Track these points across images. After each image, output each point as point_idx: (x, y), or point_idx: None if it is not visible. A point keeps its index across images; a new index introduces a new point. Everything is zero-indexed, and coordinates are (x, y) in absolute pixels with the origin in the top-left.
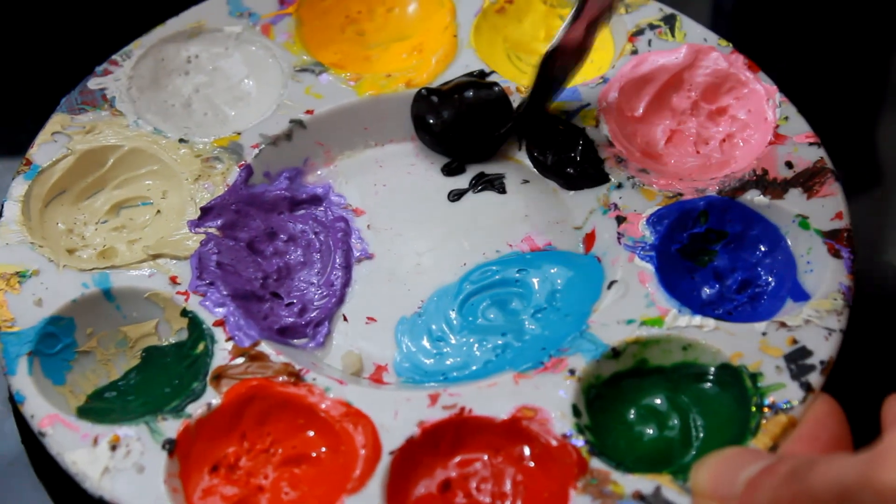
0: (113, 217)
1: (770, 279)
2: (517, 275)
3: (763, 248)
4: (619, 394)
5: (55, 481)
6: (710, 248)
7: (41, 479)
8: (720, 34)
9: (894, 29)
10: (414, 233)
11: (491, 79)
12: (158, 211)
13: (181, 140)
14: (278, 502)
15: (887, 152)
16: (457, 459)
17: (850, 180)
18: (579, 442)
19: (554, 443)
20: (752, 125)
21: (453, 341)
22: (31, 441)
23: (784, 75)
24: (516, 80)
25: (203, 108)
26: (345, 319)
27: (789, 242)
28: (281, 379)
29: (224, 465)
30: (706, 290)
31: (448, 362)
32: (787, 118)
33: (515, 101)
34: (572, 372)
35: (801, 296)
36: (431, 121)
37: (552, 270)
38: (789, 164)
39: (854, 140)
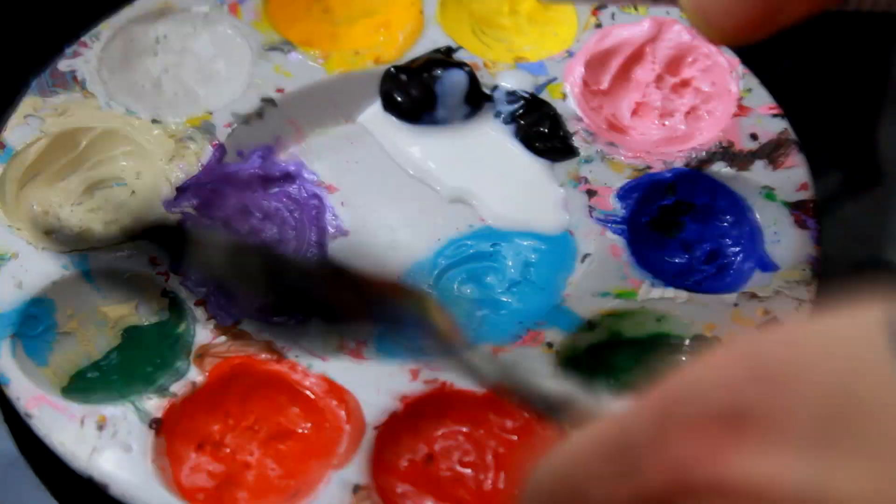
0: (88, 198)
1: (737, 250)
2: (490, 249)
3: (730, 219)
4: (595, 366)
5: (56, 480)
6: (678, 219)
7: (41, 479)
8: None
9: (894, 29)
10: (387, 208)
11: (458, 55)
12: (133, 192)
13: (154, 121)
14: (264, 478)
15: (887, 152)
16: (439, 433)
17: (850, 180)
18: None
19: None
20: (716, 97)
21: None
22: (28, 443)
23: (785, 75)
24: (482, 55)
25: (173, 89)
26: None
27: (756, 214)
28: (263, 356)
29: (210, 443)
30: (675, 261)
31: None
32: (749, 90)
33: (482, 77)
34: (550, 345)
35: (769, 266)
36: (400, 99)
37: (524, 244)
38: (754, 136)
39: (854, 140)
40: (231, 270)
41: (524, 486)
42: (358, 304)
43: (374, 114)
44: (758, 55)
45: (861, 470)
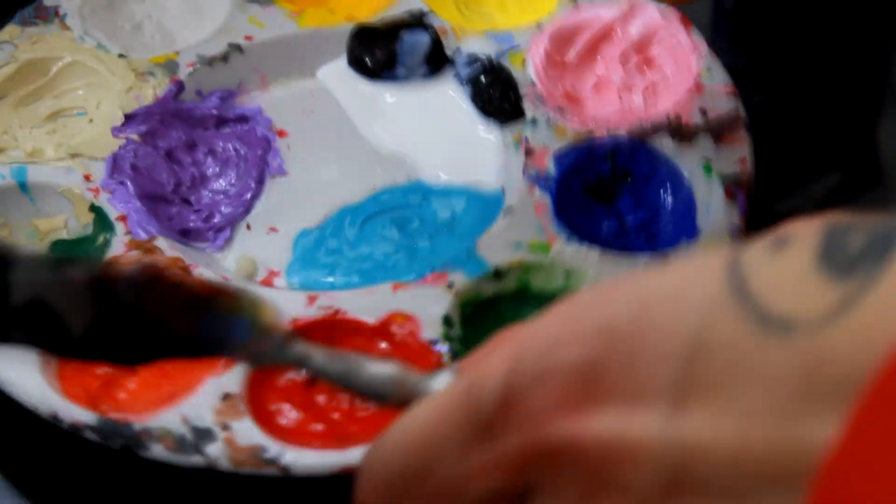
0: (49, 124)
1: (670, 221)
2: (422, 200)
3: (667, 191)
4: (498, 315)
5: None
6: (615, 187)
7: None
8: (720, 32)
9: (894, 29)
10: (332, 155)
11: (428, 20)
12: (91, 120)
13: (121, 55)
14: (146, 382)
15: (887, 152)
16: None
17: (850, 180)
18: (443, 348)
19: (416, 346)
20: (676, 75)
21: (349, 256)
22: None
23: (784, 74)
24: (458, 20)
25: (152, 32)
26: (248, 228)
27: (693, 186)
28: (172, 273)
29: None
30: (605, 227)
31: (339, 275)
32: (709, 69)
33: (448, 40)
34: (451, 286)
35: (695, 236)
36: (363, 57)
37: (456, 200)
38: (703, 112)
39: (854, 140)
40: (54, 287)
41: (361, 469)
42: (182, 312)
43: (334, 68)
44: (758, 55)
45: (715, 417)
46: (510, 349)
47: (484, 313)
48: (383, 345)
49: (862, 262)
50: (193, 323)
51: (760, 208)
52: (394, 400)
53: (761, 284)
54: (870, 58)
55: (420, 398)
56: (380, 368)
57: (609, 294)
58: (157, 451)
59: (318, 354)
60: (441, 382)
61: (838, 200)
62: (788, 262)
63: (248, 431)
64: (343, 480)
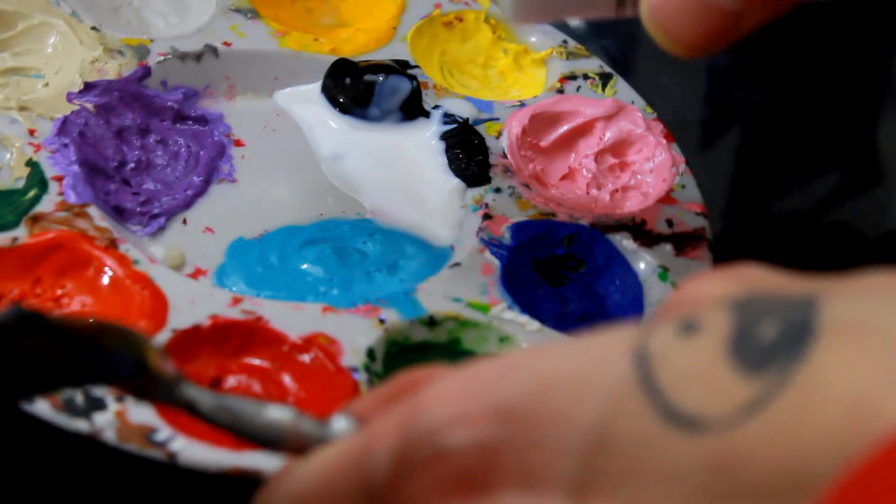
0: (3, 78)
1: (614, 318)
2: (368, 237)
3: (616, 288)
4: (422, 363)
5: None
6: (565, 273)
7: None
8: None
9: (894, 29)
10: (285, 175)
11: (413, 72)
12: (46, 84)
13: (93, 28)
14: None
15: (887, 152)
16: (236, 362)
17: (850, 180)
18: (361, 377)
19: (334, 369)
20: (648, 185)
21: (281, 274)
22: None
23: (785, 74)
24: (440, 82)
25: (129, 18)
26: (184, 223)
27: (644, 289)
28: (96, 240)
29: (8, 300)
30: (546, 308)
31: (267, 288)
32: (683, 186)
33: (428, 95)
34: (382, 321)
35: None
36: (340, 91)
37: (403, 245)
38: (669, 223)
39: (854, 140)
40: None
41: None
42: (63, 351)
43: (303, 93)
44: (758, 55)
45: None
46: (407, 413)
47: (409, 357)
48: (303, 357)
49: (774, 357)
50: (75, 359)
51: (760, 209)
52: (288, 447)
53: (669, 378)
54: (870, 58)
55: (316, 446)
56: (274, 415)
57: (510, 370)
58: (42, 407)
59: (208, 399)
60: (338, 430)
61: (838, 200)
62: (697, 351)
63: (141, 409)
64: (233, 483)
